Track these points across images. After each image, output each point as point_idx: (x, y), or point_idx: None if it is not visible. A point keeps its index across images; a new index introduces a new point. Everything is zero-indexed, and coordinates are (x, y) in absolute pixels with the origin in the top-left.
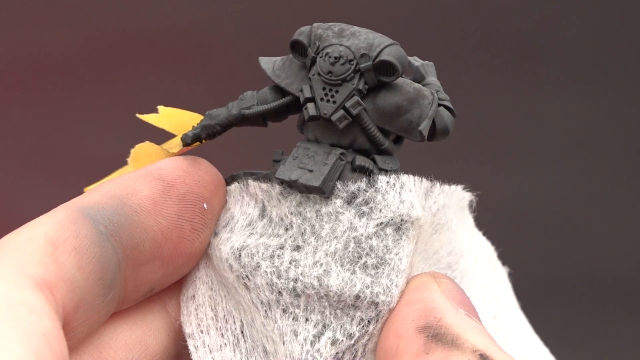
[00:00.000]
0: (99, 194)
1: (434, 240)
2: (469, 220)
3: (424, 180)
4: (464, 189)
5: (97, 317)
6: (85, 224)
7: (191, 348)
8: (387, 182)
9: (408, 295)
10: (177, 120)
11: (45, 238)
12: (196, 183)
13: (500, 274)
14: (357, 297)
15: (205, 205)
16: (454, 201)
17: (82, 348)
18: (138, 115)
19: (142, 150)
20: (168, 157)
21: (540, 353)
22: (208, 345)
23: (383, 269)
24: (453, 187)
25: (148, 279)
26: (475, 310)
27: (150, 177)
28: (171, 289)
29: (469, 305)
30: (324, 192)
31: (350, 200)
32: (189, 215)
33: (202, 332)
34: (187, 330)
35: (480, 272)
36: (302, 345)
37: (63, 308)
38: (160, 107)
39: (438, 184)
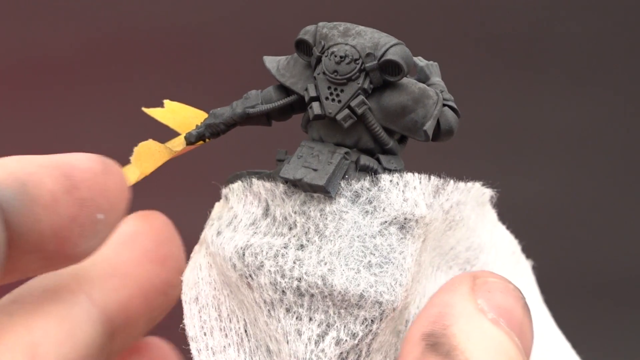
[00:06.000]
0: (6, 171)
1: (448, 236)
2: (490, 215)
3: (433, 178)
4: (482, 185)
5: None
6: None
7: (194, 351)
8: (391, 181)
9: (434, 297)
10: (182, 117)
11: None
12: (101, 192)
13: (523, 267)
14: (361, 296)
15: (100, 216)
16: (472, 197)
17: (14, 347)
18: (144, 109)
19: (145, 148)
20: (172, 155)
21: (561, 346)
22: (211, 348)
23: (387, 267)
24: (470, 184)
25: (24, 267)
26: (524, 318)
27: (59, 172)
28: (95, 281)
29: (510, 311)
30: (328, 191)
31: (354, 199)
32: (82, 221)
33: (205, 334)
34: (190, 333)
35: (503, 266)
36: (307, 344)
37: None
38: (166, 102)
39: (452, 182)
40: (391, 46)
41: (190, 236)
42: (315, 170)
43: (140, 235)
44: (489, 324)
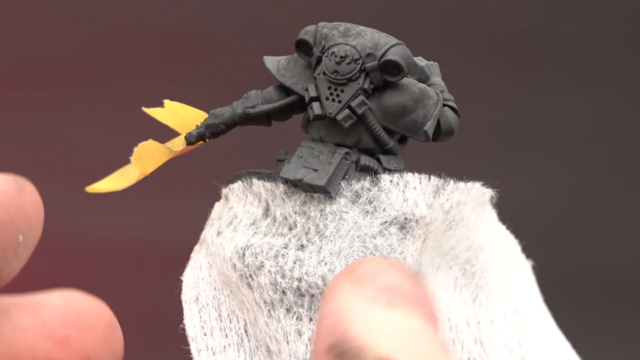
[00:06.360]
0: None
1: (448, 237)
2: (491, 215)
3: (433, 178)
4: (483, 185)
5: None
6: None
7: (194, 352)
8: (391, 181)
9: (321, 309)
10: (182, 117)
11: None
12: (18, 214)
13: (523, 267)
14: None
15: (21, 238)
16: (472, 198)
17: None
18: (144, 109)
19: (146, 148)
20: (172, 155)
21: (560, 347)
22: (211, 348)
23: None
24: (470, 184)
25: None
26: (415, 284)
27: None
28: None
29: (398, 286)
30: (328, 192)
31: (354, 199)
32: (4, 246)
33: (205, 334)
34: (190, 333)
35: (503, 267)
36: (307, 345)
37: None
38: (166, 102)
39: (452, 182)
40: (391, 46)
41: (190, 236)
42: (315, 170)
43: (44, 306)
44: (384, 309)
